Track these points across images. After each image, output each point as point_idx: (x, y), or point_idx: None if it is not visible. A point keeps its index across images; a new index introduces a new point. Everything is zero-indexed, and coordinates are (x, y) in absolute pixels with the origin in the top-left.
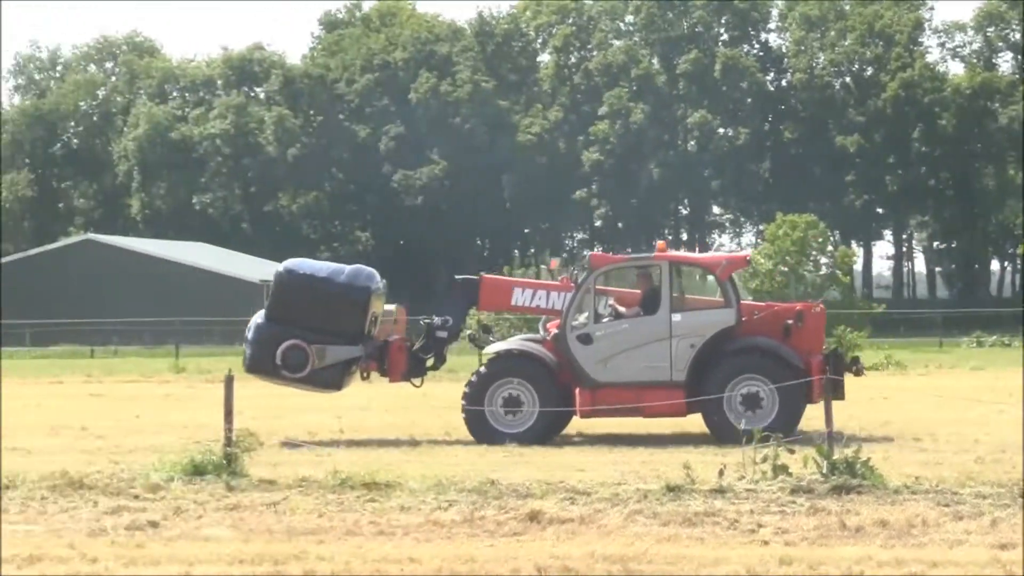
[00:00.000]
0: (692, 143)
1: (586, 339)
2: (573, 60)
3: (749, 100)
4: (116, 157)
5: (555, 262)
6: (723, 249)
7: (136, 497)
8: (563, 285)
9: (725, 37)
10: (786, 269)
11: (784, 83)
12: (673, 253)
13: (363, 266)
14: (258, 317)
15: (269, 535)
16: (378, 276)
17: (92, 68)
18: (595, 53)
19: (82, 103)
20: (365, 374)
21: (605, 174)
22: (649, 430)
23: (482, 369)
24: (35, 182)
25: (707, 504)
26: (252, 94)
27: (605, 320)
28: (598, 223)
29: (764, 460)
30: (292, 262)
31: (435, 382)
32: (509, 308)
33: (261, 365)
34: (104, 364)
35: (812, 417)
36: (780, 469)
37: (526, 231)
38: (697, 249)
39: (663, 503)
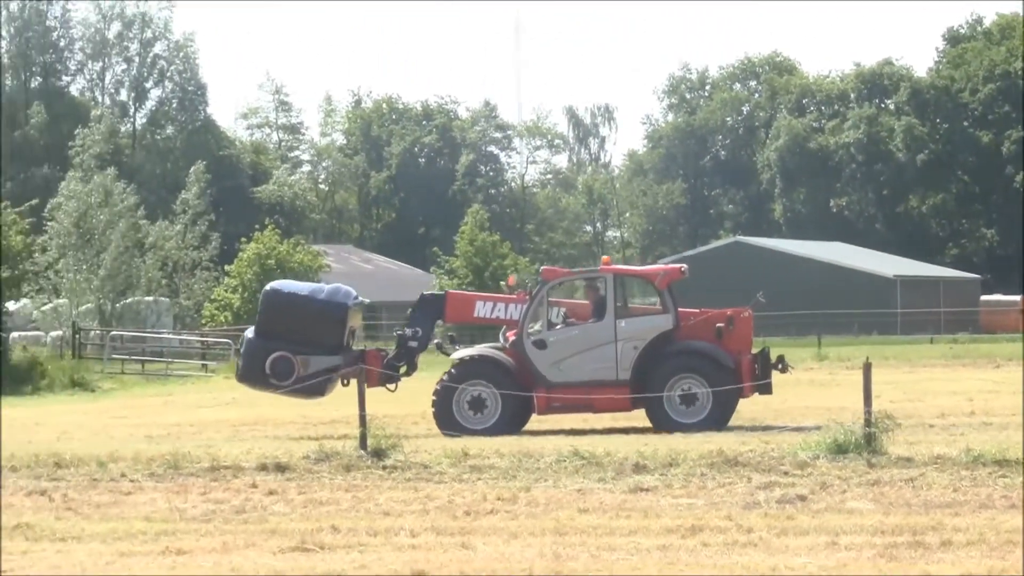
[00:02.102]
0: None
1: (541, 344)
2: None
3: None
4: (760, 166)
5: (512, 278)
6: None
7: (785, 473)
8: (520, 298)
9: None
10: None
11: None
12: (616, 266)
13: (341, 285)
14: (249, 332)
15: (907, 508)
16: (355, 293)
17: (737, 86)
18: None
19: (728, 118)
20: (346, 381)
21: None
22: None
23: (449, 373)
24: (688, 191)
25: None
26: (883, 105)
27: (558, 327)
28: None
29: None
30: (277, 283)
31: None
32: (472, 320)
33: (252, 375)
34: None
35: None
36: None
37: None
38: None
39: None
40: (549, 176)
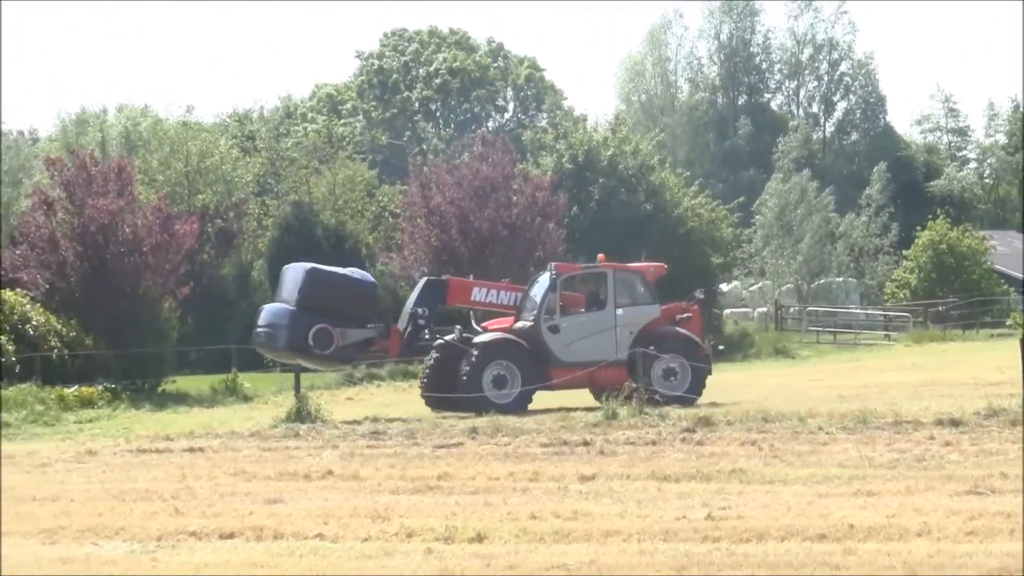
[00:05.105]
0: None
1: (555, 329)
2: None
3: None
4: None
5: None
6: None
7: None
8: (508, 286)
9: None
10: None
11: None
12: (615, 264)
13: (363, 271)
14: (287, 306)
15: None
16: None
17: None
18: None
19: None
20: (381, 352)
21: None
22: None
23: (475, 355)
24: None
25: None
26: None
27: (567, 315)
28: None
29: None
30: (313, 265)
31: None
32: (470, 304)
33: (295, 344)
34: None
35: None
36: None
37: None
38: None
39: None
40: None
